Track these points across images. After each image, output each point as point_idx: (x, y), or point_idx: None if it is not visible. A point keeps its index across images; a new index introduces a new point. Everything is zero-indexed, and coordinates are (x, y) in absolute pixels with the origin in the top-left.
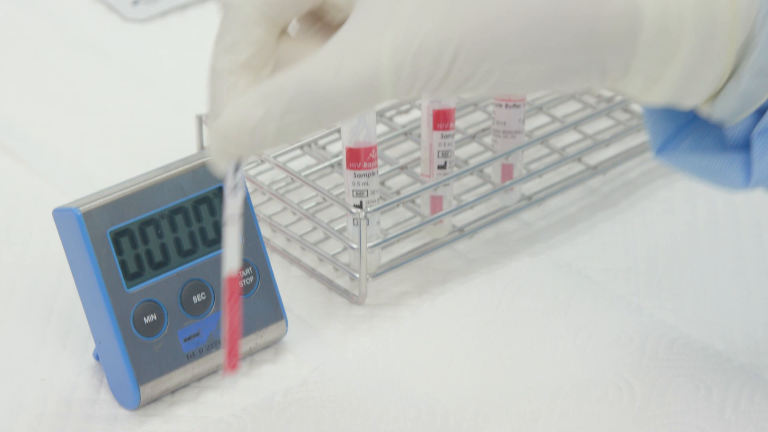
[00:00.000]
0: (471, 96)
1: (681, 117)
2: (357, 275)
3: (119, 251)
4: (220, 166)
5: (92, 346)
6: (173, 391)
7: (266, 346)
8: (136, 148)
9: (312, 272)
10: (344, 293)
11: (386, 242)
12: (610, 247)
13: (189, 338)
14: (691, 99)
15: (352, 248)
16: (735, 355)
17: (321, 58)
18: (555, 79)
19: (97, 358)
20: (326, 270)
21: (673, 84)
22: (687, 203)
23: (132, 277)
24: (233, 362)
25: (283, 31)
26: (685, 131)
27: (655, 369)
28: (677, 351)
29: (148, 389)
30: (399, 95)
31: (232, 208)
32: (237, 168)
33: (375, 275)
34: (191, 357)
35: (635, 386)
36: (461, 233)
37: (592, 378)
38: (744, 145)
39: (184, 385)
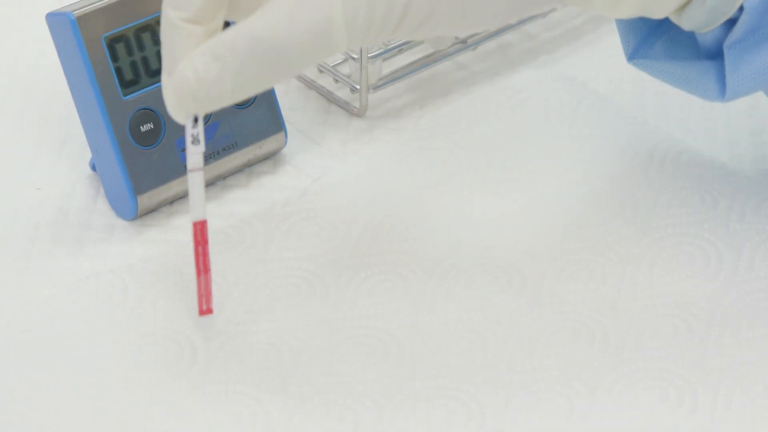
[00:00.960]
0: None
1: (652, 20)
2: (358, 87)
3: (114, 58)
4: (179, 120)
5: (88, 155)
6: (171, 202)
7: (265, 158)
8: None
9: (311, 84)
10: (344, 105)
11: (388, 53)
12: (616, 60)
13: None
14: (658, 12)
15: (353, 59)
16: (741, 167)
17: (272, 12)
18: (514, 14)
19: (93, 168)
20: (326, 82)
21: (637, 3)
22: None
23: (128, 84)
24: (207, 306)
25: None
26: (657, 33)
27: (660, 181)
28: (684, 163)
29: (146, 199)
30: (354, 44)
31: (193, 160)
32: (196, 120)
33: (376, 87)
34: None
35: (639, 198)
36: (464, 45)
37: (596, 189)
38: (717, 54)
39: (182, 196)
